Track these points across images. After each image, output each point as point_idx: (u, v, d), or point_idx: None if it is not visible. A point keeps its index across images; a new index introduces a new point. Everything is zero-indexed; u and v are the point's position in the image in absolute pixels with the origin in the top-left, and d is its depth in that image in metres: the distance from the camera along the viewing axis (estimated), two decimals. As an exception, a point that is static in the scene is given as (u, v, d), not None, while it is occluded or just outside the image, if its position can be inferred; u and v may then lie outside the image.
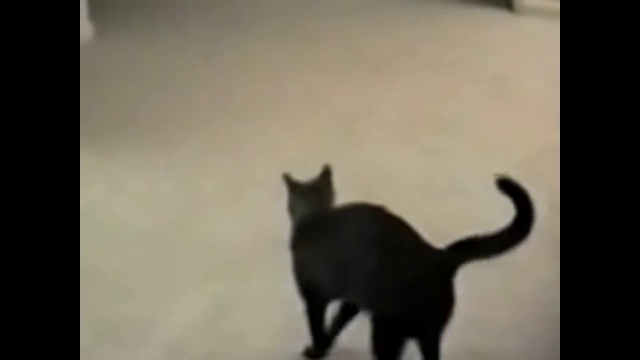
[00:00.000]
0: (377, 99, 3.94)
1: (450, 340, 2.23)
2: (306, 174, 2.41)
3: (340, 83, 4.08)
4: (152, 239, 2.95)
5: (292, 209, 2.37)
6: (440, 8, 4.91)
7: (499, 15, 4.80)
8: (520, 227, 2.09)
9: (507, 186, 2.11)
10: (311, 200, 2.35)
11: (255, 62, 4.31)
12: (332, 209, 2.35)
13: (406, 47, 4.45)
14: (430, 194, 3.17)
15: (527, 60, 4.30)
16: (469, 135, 3.59)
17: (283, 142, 3.57)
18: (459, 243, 2.14)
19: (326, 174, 2.39)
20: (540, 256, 2.74)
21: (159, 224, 3.04)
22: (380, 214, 2.22)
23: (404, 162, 3.39)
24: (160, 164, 3.41)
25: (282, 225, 2.42)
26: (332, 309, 2.38)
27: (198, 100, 3.94)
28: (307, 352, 2.40)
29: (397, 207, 2.25)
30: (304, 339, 2.40)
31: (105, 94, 4.00)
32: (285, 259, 2.35)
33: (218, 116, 3.78)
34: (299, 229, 2.33)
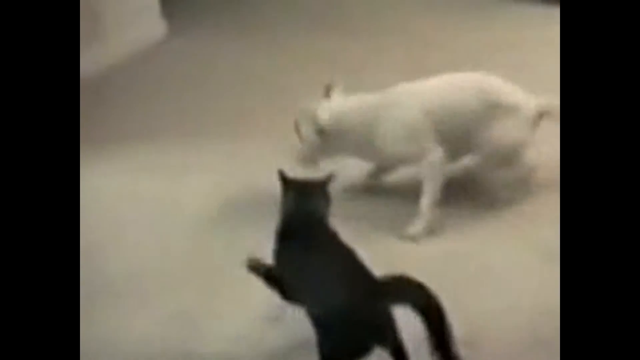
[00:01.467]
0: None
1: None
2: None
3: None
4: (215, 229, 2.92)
5: (281, 204, 2.36)
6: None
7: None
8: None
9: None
10: (302, 198, 2.34)
11: (328, 59, 4.21)
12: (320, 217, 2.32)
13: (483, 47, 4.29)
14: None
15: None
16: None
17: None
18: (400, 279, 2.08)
19: (328, 179, 2.36)
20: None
21: (228, 218, 2.98)
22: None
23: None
24: (228, 159, 3.36)
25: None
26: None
27: (268, 98, 3.87)
28: None
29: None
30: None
31: (177, 91, 3.98)
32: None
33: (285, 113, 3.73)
34: (283, 229, 2.32)
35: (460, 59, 3.82)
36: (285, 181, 2.36)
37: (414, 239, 2.74)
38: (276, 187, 2.35)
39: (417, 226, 2.76)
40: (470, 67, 3.03)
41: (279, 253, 2.29)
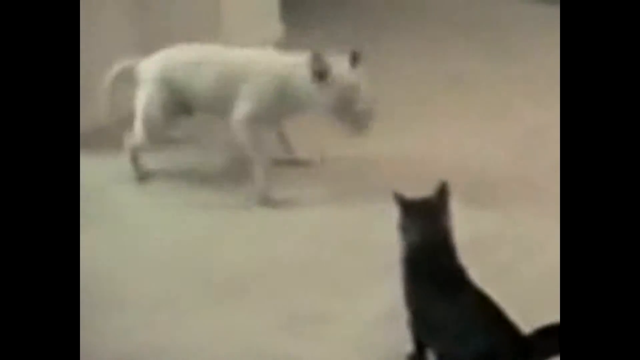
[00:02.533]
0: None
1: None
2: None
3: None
4: (334, 235, 2.98)
5: (403, 229, 2.25)
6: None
7: None
8: None
9: None
10: (425, 221, 2.22)
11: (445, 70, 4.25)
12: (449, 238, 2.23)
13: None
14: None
15: None
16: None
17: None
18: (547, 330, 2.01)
19: (442, 191, 2.25)
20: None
21: (344, 221, 3.04)
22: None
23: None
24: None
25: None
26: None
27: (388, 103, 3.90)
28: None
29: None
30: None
31: None
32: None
33: (404, 121, 3.77)
34: (410, 258, 2.23)
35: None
36: (404, 204, 2.25)
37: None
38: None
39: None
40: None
41: (410, 285, 2.24)
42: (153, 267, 2.92)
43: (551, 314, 2.03)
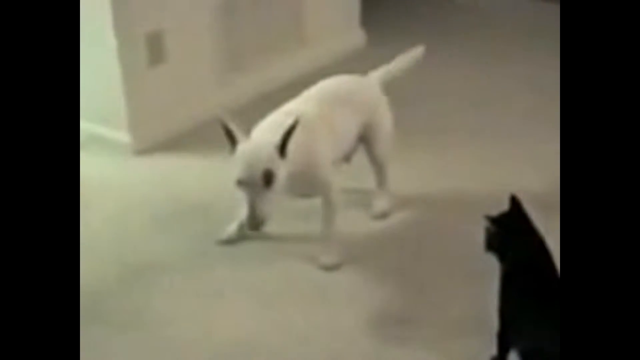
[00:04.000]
0: None
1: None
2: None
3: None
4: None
5: (498, 245, 2.27)
6: None
7: None
8: None
9: None
10: (525, 239, 2.24)
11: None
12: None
13: None
14: None
15: None
16: None
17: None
18: None
19: (516, 203, 2.27)
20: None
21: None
22: None
23: None
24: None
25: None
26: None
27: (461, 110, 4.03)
28: None
29: None
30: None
31: None
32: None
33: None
34: (510, 275, 2.25)
35: None
36: (497, 222, 2.26)
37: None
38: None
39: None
40: None
41: (508, 297, 2.25)
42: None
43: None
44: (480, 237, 2.34)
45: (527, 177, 3.37)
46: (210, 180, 3.50)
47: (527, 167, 3.50)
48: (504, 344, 2.34)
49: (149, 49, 3.70)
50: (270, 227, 2.81)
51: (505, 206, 2.32)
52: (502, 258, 2.29)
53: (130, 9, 3.60)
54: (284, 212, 2.90)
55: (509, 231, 2.26)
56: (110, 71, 3.64)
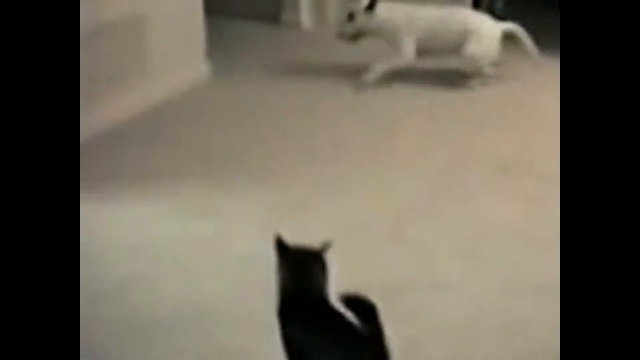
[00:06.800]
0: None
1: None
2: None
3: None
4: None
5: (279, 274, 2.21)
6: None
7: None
8: None
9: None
10: (299, 272, 2.19)
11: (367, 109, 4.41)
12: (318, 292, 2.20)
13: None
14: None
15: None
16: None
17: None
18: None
19: (324, 248, 2.23)
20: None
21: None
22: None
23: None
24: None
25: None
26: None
27: (312, 142, 4.06)
28: None
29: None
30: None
31: (221, 132, 4.15)
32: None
33: (329, 158, 3.90)
34: (284, 302, 2.19)
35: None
36: (282, 249, 2.20)
37: (363, 85, 4.40)
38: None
39: (368, 75, 4.43)
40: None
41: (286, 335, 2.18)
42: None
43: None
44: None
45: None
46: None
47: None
48: None
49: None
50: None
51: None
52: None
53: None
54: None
55: (287, 259, 2.20)
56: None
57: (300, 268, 2.19)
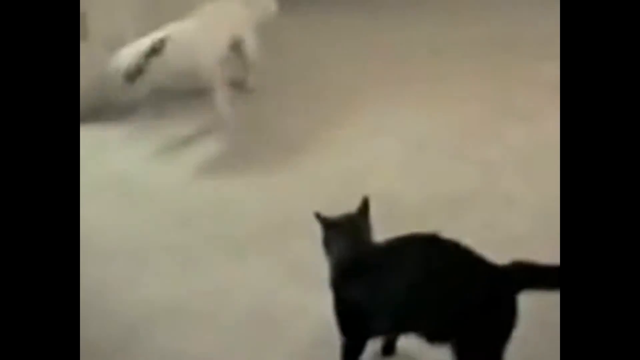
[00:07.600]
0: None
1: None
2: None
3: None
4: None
5: (328, 246, 2.25)
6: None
7: None
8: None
9: None
10: (350, 237, 2.23)
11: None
12: (375, 244, 2.22)
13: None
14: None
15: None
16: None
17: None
18: (520, 265, 2.05)
19: (364, 207, 2.27)
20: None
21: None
22: (434, 243, 2.11)
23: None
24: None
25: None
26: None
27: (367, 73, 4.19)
28: None
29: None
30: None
31: (286, 65, 4.29)
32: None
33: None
34: (342, 267, 2.20)
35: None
36: (326, 224, 2.25)
37: None
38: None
39: None
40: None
41: (355, 293, 2.16)
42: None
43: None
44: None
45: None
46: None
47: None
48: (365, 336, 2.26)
49: None
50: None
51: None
52: (328, 255, 2.28)
53: None
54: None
55: (333, 229, 2.26)
56: None
57: (352, 234, 2.24)
